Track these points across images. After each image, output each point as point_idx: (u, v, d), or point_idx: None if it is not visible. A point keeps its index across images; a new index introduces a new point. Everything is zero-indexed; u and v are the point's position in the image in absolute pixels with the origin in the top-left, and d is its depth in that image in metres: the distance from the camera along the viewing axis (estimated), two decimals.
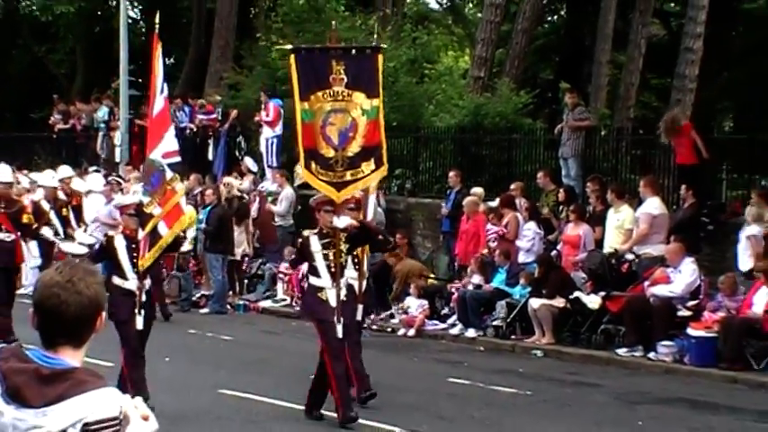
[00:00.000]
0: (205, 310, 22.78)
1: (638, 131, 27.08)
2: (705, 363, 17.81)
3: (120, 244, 13.59)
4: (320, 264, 13.48)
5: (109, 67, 29.57)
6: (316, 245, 13.57)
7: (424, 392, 15.63)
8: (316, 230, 13.89)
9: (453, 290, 21.91)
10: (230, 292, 24.21)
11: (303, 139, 13.68)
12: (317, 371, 13.62)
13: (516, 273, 20.98)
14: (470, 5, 41.43)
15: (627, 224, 20.11)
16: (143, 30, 42.89)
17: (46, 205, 22.25)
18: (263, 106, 27.13)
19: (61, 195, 24.50)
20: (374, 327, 21.44)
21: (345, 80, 13.52)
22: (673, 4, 31.34)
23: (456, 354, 19.16)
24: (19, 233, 18.93)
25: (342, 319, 13.21)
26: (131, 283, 13.40)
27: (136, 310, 13.27)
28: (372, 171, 13.82)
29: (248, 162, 27.30)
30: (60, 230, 22.06)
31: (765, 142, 23.11)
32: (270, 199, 25.19)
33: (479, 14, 32.66)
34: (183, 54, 39.69)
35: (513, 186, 22.59)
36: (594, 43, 29.99)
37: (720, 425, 14.55)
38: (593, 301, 19.57)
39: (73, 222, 24.10)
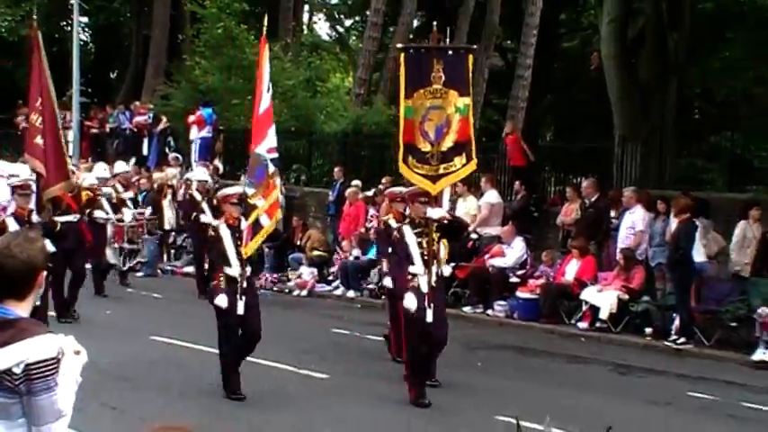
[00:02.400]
0: (140, 274, 22.61)
1: (482, 139, 27.47)
2: (529, 318, 18.27)
3: (225, 232, 11.86)
4: (414, 252, 11.77)
5: (64, 80, 29.13)
6: (410, 234, 11.86)
7: (314, 340, 15.72)
8: (407, 221, 12.27)
9: (337, 260, 22.14)
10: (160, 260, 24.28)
11: (403, 134, 12.10)
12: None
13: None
14: (353, 37, 41.49)
15: (472, 210, 20.41)
16: (92, 50, 42.39)
17: None
18: (197, 114, 27.05)
19: None
20: (275, 288, 21.70)
21: (443, 78, 11.96)
22: (509, 42, 31.78)
23: (339, 310, 19.24)
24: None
25: (432, 305, 11.55)
26: (234, 270, 11.70)
27: (237, 296, 11.57)
28: (464, 165, 12.14)
29: (175, 156, 27.21)
30: None
31: (578, 150, 23.73)
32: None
33: (360, 45, 32.75)
34: (124, 70, 39.35)
35: (384, 180, 22.79)
36: None
37: (540, 366, 14.83)
38: (446, 271, 19.89)
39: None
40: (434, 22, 12.84)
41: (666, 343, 16.36)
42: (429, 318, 11.47)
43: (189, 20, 34.92)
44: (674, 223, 17.05)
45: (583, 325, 17.59)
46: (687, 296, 16.62)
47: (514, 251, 19.44)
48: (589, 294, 17.72)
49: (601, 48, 24.35)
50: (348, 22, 44.29)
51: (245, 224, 11.95)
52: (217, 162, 26.28)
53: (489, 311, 18.90)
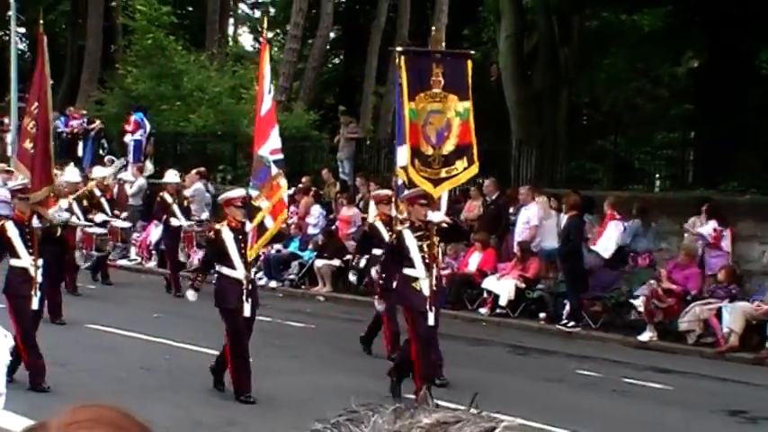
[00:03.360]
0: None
1: (393, 142, 27.57)
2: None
3: (227, 235, 11.04)
4: (416, 255, 10.95)
5: (2, 87, 28.74)
6: (410, 238, 11.06)
7: None
8: (407, 224, 11.42)
9: (261, 252, 22.05)
10: None
11: (410, 136, 11.25)
12: (400, 354, 11.63)
13: (306, 241, 21.21)
14: (275, 49, 41.38)
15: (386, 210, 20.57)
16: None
17: None
18: (131, 119, 26.77)
19: None
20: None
21: (442, 83, 11.19)
22: None
23: (262, 299, 19.11)
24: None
25: (434, 308, 10.92)
26: (239, 273, 10.93)
27: (243, 298, 10.83)
28: (465, 168, 11.36)
29: (110, 158, 26.91)
30: None
31: (479, 152, 23.90)
32: (127, 186, 24.84)
33: (282, 56, 32.70)
34: (60, 78, 38.78)
35: (304, 179, 22.81)
36: (363, 79, 30.40)
37: (445, 348, 14.47)
38: (361, 262, 19.99)
39: None
40: (433, 28, 12.33)
41: (558, 326, 16.64)
42: (431, 321, 10.86)
43: (121, 31, 34.55)
44: (564, 219, 17.39)
45: (484, 311, 17.80)
46: (576, 284, 16.93)
47: None
48: (490, 283, 17.92)
49: (499, 60, 24.69)
50: (270, 35, 44.21)
51: (249, 227, 11.17)
52: (147, 163, 26.04)
53: None
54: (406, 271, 11.10)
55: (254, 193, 11.27)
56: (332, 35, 33.66)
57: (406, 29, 29.56)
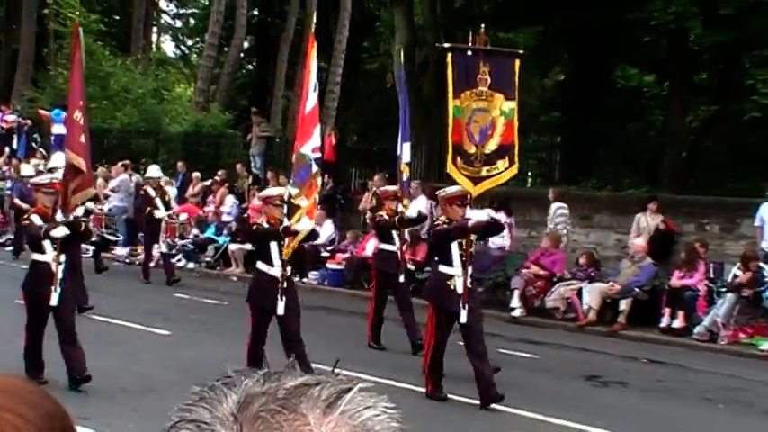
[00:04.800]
0: (10, 248, 21.77)
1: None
2: (336, 284, 18.55)
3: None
4: (455, 253, 9.79)
5: None
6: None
7: (159, 303, 15.49)
8: (444, 221, 10.13)
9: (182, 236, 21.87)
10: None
11: (452, 134, 10.03)
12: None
13: (221, 227, 21.10)
14: (194, 55, 40.88)
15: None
16: None
17: None
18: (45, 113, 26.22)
19: None
20: (127, 260, 21.25)
21: (489, 81, 9.95)
22: (322, 63, 31.95)
23: (182, 279, 19.08)
24: None
25: (467, 305, 9.69)
26: (276, 270, 9.90)
27: (278, 296, 9.79)
28: (506, 168, 10.07)
29: (41, 151, 26.36)
30: None
31: (376, 150, 24.14)
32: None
33: (200, 61, 32.32)
34: None
35: (220, 172, 22.66)
36: (273, 83, 30.24)
37: (344, 323, 15.18)
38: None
39: None
40: (483, 25, 10.63)
41: None
42: (463, 318, 9.67)
43: (53, 36, 33.70)
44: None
45: None
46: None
47: (325, 231, 19.59)
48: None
49: (394, 70, 24.83)
50: (190, 43, 43.66)
51: (287, 224, 10.02)
52: None
53: (305, 279, 18.96)
54: (443, 268, 9.96)
55: (293, 190, 10.17)
56: (245, 44, 33.39)
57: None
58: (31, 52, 34.18)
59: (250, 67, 39.14)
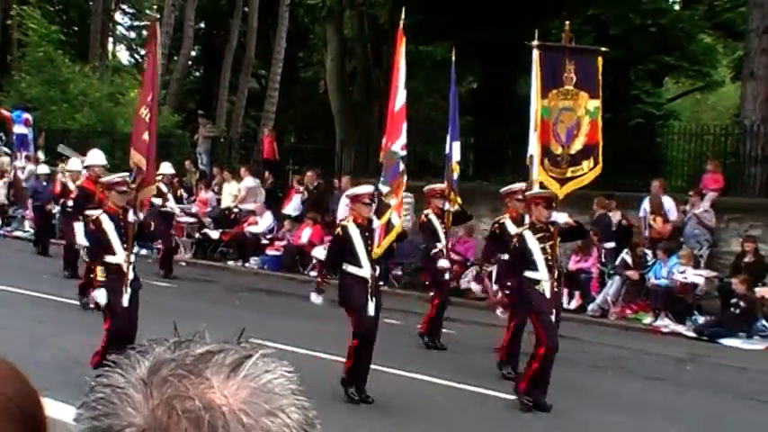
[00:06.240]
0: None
1: (242, 140, 27.41)
2: (275, 269, 18.40)
3: (354, 232, 8.68)
4: (539, 257, 8.62)
5: None
6: (532, 240, 8.67)
7: None
8: (527, 226, 8.95)
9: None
10: None
11: (541, 135, 8.78)
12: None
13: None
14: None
15: (233, 192, 20.35)
16: None
17: None
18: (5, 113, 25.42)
19: None
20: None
21: (574, 79, 8.80)
22: (262, 71, 31.67)
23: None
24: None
25: (554, 310, 8.72)
26: (365, 271, 8.63)
27: (368, 297, 8.55)
28: (591, 169, 8.88)
29: (4, 149, 25.68)
30: None
31: (311, 149, 24.01)
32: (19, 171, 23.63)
33: None
34: None
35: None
36: (219, 89, 29.89)
37: (282, 303, 14.92)
38: (215, 235, 19.73)
39: None
40: (567, 22, 9.48)
41: (329, 278, 16.72)
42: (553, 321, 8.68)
43: (16, 45, 32.83)
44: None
45: (313, 273, 17.79)
46: (388, 252, 17.08)
47: (265, 221, 19.49)
48: (318, 252, 17.92)
49: (327, 78, 24.79)
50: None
51: (377, 223, 8.87)
52: (39, 153, 24.86)
53: (246, 264, 18.85)
54: (529, 274, 8.73)
55: (384, 189, 9.04)
56: (193, 53, 32.95)
57: (252, 51, 29.27)
58: None
59: (197, 74, 38.66)
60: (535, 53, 8.89)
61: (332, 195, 19.39)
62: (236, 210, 20.11)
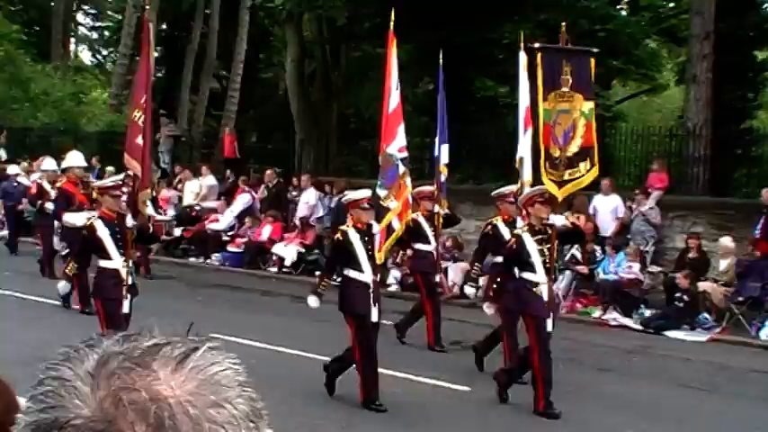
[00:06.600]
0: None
1: (203, 139, 27.23)
2: (236, 265, 18.21)
3: (354, 237, 8.33)
4: (536, 260, 8.29)
5: None
6: (530, 242, 8.34)
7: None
8: (525, 227, 8.57)
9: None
10: None
11: (543, 138, 8.46)
12: (517, 359, 8.80)
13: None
14: (110, 63, 39.68)
15: (195, 189, 20.17)
16: None
17: None
18: None
19: None
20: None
21: (571, 81, 8.43)
22: (223, 71, 31.38)
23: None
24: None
25: (551, 313, 8.40)
26: (367, 276, 8.29)
27: (371, 302, 8.23)
28: (588, 171, 8.50)
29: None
30: None
31: (271, 148, 23.89)
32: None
33: (116, 69, 31.31)
34: None
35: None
36: (180, 89, 29.59)
37: (244, 298, 14.80)
38: (177, 232, 19.52)
39: None
40: (564, 23, 9.11)
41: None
42: (549, 327, 8.33)
43: None
44: (334, 200, 17.55)
45: (273, 269, 17.76)
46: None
47: (226, 218, 19.33)
48: (278, 248, 17.89)
49: (286, 79, 24.67)
50: (105, 52, 42.32)
51: (377, 228, 8.48)
52: (1, 151, 24.40)
53: (208, 261, 18.66)
54: (526, 275, 8.42)
55: (382, 192, 8.69)
56: (155, 54, 32.53)
57: (214, 52, 29.02)
58: None
59: (159, 74, 38.19)
60: (538, 55, 8.62)
61: (291, 193, 19.33)
62: (197, 208, 19.92)
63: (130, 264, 8.58)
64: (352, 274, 8.38)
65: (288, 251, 17.63)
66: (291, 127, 23.69)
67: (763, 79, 22.13)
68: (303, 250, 17.66)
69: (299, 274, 17.42)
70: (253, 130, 30.96)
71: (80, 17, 41.42)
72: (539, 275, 8.31)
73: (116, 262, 8.42)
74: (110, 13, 39.42)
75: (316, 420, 7.83)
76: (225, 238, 18.91)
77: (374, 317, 8.19)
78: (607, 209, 15.83)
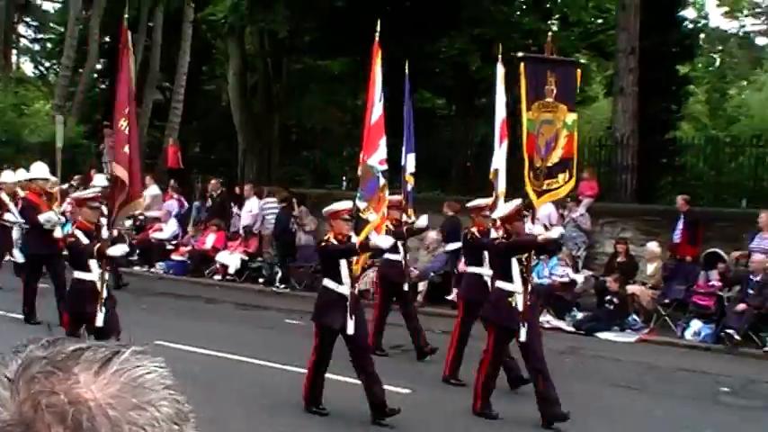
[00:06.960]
0: None
1: (147, 150, 26.69)
2: (180, 273, 17.98)
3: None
4: (515, 269, 8.04)
5: None
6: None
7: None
8: (502, 236, 8.22)
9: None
10: None
11: (527, 148, 8.20)
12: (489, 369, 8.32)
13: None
14: (52, 75, 38.80)
15: (147, 200, 19.81)
16: None
17: None
18: None
19: None
20: None
21: (555, 92, 8.22)
22: (167, 83, 30.93)
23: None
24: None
25: (526, 323, 8.00)
26: (345, 288, 7.96)
27: (347, 315, 7.85)
28: (566, 182, 8.38)
29: None
30: None
31: (214, 159, 23.59)
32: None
33: (59, 80, 30.65)
34: None
35: (76, 177, 21.41)
36: None
37: (188, 305, 14.61)
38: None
39: None
40: (550, 33, 8.77)
41: (273, 288, 16.67)
42: (523, 336, 8.00)
43: None
44: (278, 208, 17.43)
45: (217, 277, 17.54)
46: (286, 257, 16.98)
47: (170, 227, 19.05)
48: (221, 256, 17.69)
49: (229, 91, 24.43)
50: (47, 64, 41.39)
51: (355, 239, 8.10)
52: None
53: (152, 270, 18.33)
54: (502, 285, 8.17)
55: (362, 204, 8.29)
56: (98, 66, 31.91)
57: (157, 64, 28.60)
58: None
59: (103, 86, 37.56)
60: (521, 65, 8.38)
61: (233, 202, 19.14)
62: (141, 217, 19.54)
63: (106, 276, 8.39)
64: (331, 284, 8.10)
65: (231, 259, 17.43)
66: (234, 138, 23.48)
67: (685, 92, 22.74)
68: (247, 258, 17.48)
69: (242, 281, 17.25)
70: (196, 141, 30.60)
71: (22, 29, 40.46)
72: (516, 285, 8.10)
73: (94, 274, 8.29)
74: (52, 25, 38.61)
75: (258, 427, 7.71)
76: (169, 246, 18.60)
77: (350, 329, 7.86)
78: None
